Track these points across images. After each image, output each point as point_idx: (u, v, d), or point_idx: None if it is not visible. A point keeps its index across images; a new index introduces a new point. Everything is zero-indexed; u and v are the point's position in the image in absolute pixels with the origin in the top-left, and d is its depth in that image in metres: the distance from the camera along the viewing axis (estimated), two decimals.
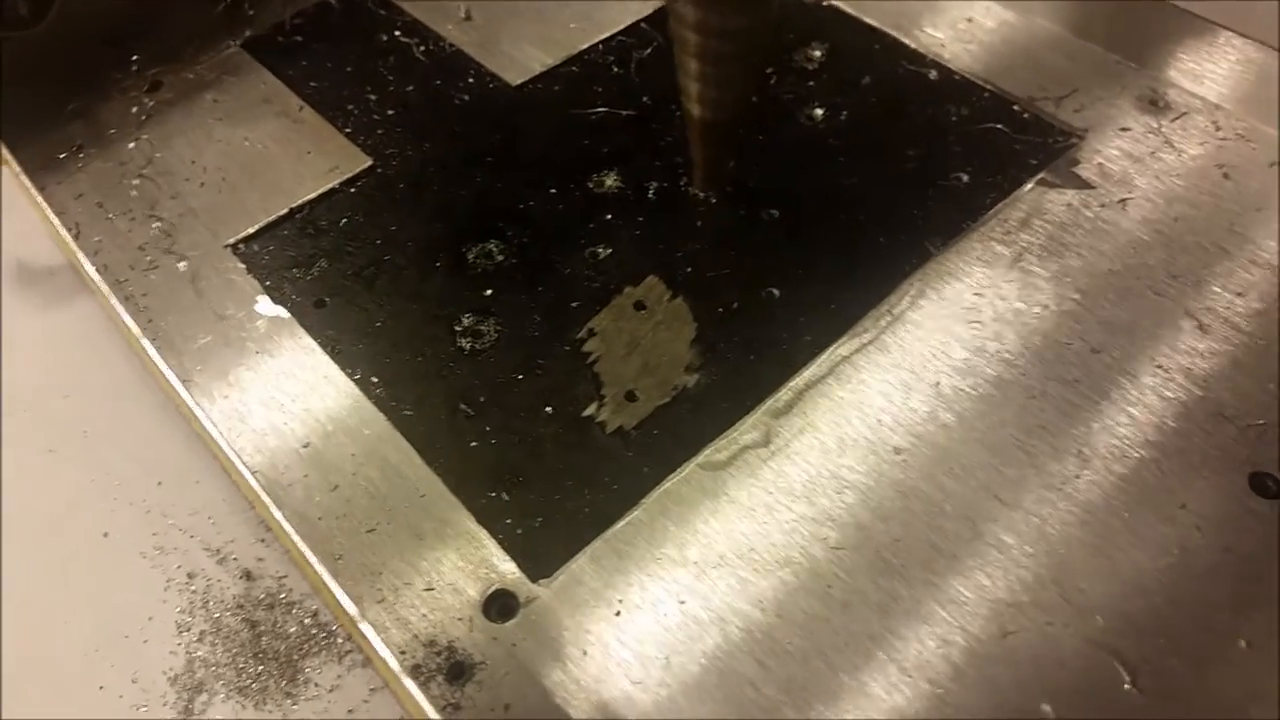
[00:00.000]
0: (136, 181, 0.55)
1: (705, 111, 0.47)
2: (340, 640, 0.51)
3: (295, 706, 0.49)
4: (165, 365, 0.46)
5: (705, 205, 0.52)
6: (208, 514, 0.56)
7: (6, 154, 0.56)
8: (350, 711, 0.49)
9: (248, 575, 0.53)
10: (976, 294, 0.47)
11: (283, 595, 0.53)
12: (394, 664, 0.37)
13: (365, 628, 0.38)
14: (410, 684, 0.37)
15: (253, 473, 0.43)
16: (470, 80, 0.60)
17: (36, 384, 0.63)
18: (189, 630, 0.52)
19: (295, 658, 0.50)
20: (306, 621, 0.51)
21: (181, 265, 0.50)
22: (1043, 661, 0.37)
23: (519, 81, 0.59)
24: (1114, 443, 0.42)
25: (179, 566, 0.54)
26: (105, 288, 0.50)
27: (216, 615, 0.52)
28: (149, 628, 0.53)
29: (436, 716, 0.36)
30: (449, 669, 0.37)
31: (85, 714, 0.51)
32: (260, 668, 0.50)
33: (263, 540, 0.55)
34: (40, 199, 0.54)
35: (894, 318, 0.46)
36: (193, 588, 0.53)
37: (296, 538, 0.41)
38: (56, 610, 0.54)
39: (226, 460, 0.46)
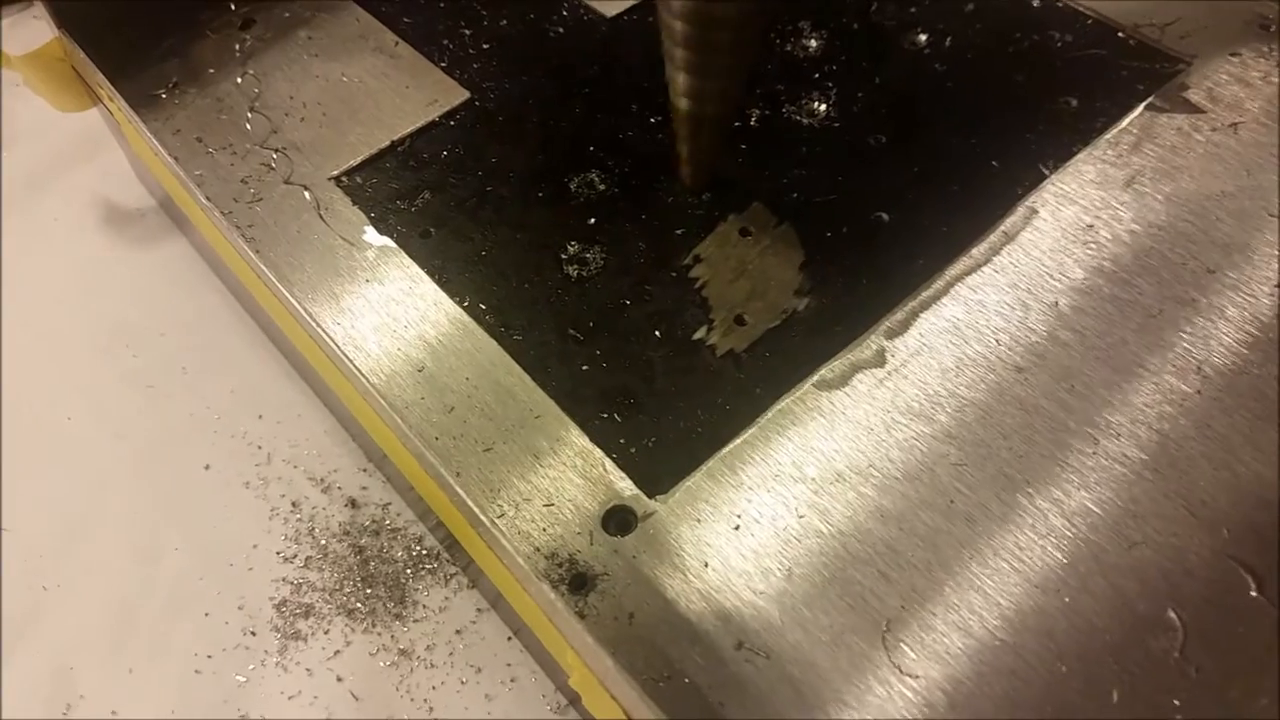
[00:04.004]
0: (236, 117, 0.55)
1: (693, 104, 0.46)
2: (446, 564, 0.52)
3: (405, 628, 0.50)
4: (286, 291, 0.47)
5: (809, 131, 0.52)
6: (310, 446, 0.57)
7: (109, 89, 0.56)
8: (459, 632, 0.50)
9: (353, 503, 0.54)
10: (1092, 215, 0.47)
11: (388, 522, 0.53)
12: (525, 566, 0.38)
13: (495, 533, 0.39)
14: (544, 586, 0.37)
15: (374, 390, 0.43)
16: (564, 13, 0.60)
17: (132, 322, 0.64)
18: (295, 557, 0.53)
19: (403, 580, 0.51)
20: (413, 547, 0.52)
21: (289, 197, 0.51)
22: (1169, 571, 0.37)
23: (614, 13, 0.59)
24: (1234, 360, 0.42)
25: (283, 496, 0.55)
26: (215, 217, 0.50)
27: (323, 542, 0.53)
28: (254, 555, 0.54)
29: (571, 616, 0.36)
30: (571, 579, 0.38)
31: (192, 640, 0.52)
32: (369, 590, 0.51)
33: (365, 470, 0.56)
34: (145, 131, 0.54)
35: (1009, 239, 0.46)
36: (298, 516, 0.54)
37: (425, 450, 0.41)
38: (161, 541, 0.55)
39: (343, 384, 0.47)
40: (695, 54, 0.43)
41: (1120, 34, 0.54)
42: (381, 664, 0.49)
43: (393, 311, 0.46)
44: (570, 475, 0.41)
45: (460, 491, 0.40)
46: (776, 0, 0.42)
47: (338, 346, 0.45)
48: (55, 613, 0.53)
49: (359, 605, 0.51)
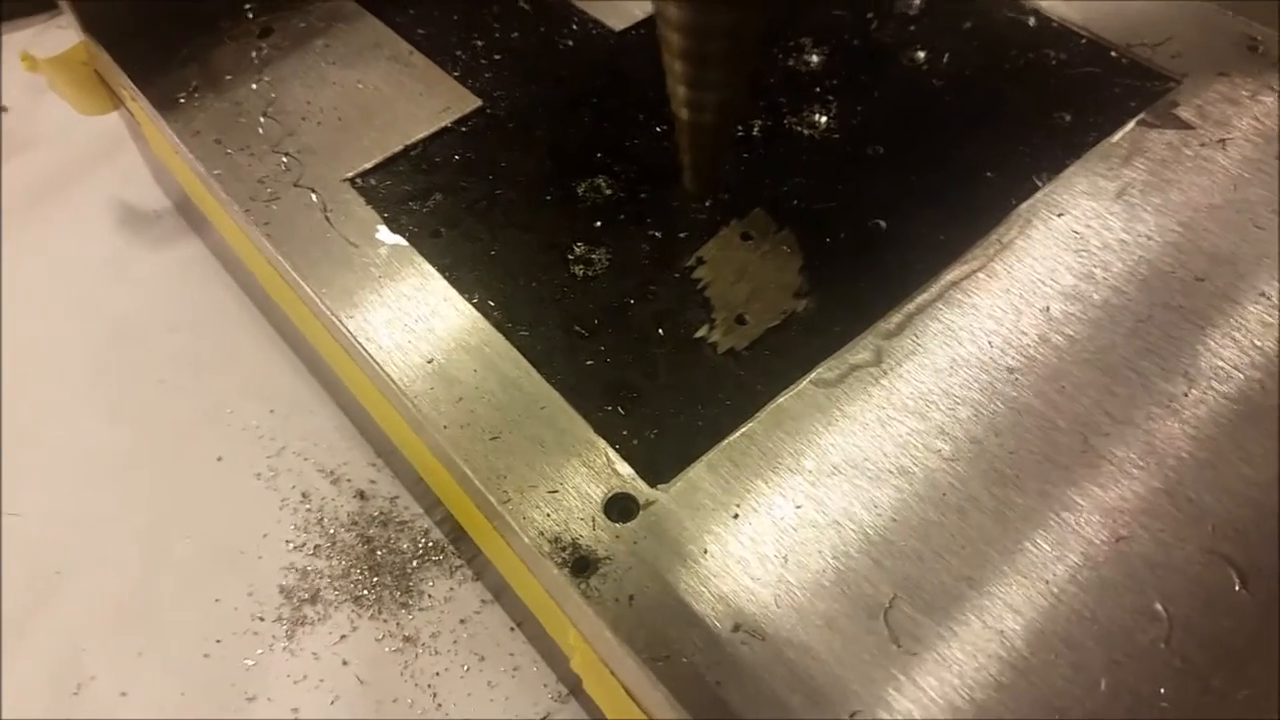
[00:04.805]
0: (254, 120, 0.57)
1: (692, 114, 0.47)
2: (452, 556, 0.53)
3: (410, 616, 0.51)
4: (302, 285, 0.48)
5: (809, 142, 0.54)
6: (320, 439, 0.59)
7: (133, 90, 0.58)
8: (463, 621, 0.51)
9: (361, 495, 0.56)
10: (1083, 224, 0.48)
11: (395, 514, 0.55)
12: (530, 548, 0.39)
13: (502, 518, 0.40)
14: (549, 566, 0.38)
15: (387, 380, 0.44)
16: (574, 27, 0.61)
17: (146, 319, 0.66)
18: (304, 546, 0.54)
19: (409, 570, 0.52)
20: (420, 539, 0.54)
21: (302, 197, 0.52)
22: (1156, 564, 0.38)
23: (622, 27, 0.61)
24: (1219, 364, 0.43)
25: (293, 487, 0.57)
26: (233, 214, 0.52)
27: (331, 531, 0.54)
28: (264, 544, 0.55)
29: (575, 594, 0.38)
30: (574, 563, 0.39)
31: (202, 624, 0.53)
32: (376, 579, 0.52)
33: (374, 464, 0.57)
34: (167, 131, 0.56)
35: (1003, 246, 0.48)
36: (307, 506, 0.56)
37: (435, 437, 0.42)
38: (173, 528, 0.56)
39: (355, 376, 0.48)
40: (692, 66, 0.44)
41: (1113, 53, 0.56)
42: (386, 649, 0.50)
43: (404, 306, 0.48)
44: (574, 464, 0.42)
45: (469, 475, 0.41)
46: (769, 15, 0.43)
47: (352, 338, 0.46)
48: (67, 596, 0.54)
49: (365, 593, 0.52)
